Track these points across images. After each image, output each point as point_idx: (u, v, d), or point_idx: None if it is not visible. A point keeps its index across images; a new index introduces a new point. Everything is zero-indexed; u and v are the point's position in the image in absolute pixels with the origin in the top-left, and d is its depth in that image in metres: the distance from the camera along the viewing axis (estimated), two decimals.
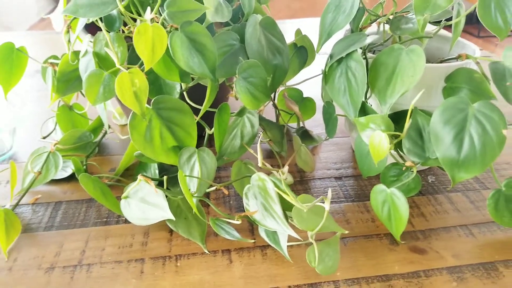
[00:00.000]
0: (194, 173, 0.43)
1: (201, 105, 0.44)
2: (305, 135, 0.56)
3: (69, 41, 0.48)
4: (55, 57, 0.50)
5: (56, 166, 0.49)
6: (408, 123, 0.40)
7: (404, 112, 0.44)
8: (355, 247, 0.41)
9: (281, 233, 0.39)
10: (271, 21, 0.47)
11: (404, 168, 0.43)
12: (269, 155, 0.56)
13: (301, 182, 0.50)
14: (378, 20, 0.48)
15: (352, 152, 0.56)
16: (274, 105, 0.56)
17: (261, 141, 0.58)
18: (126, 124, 0.63)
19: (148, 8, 0.38)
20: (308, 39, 0.53)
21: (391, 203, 0.40)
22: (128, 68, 0.39)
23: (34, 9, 3.31)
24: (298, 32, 0.53)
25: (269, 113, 0.65)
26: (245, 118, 0.50)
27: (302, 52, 0.53)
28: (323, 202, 0.36)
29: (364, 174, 0.45)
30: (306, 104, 0.58)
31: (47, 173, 0.48)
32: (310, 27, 1.08)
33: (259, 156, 0.42)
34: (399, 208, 0.40)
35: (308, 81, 0.59)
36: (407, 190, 0.42)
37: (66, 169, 0.51)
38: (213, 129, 0.48)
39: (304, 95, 0.58)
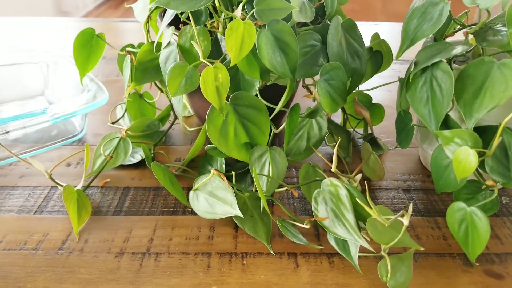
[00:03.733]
0: (264, 171, 0.43)
1: (271, 103, 0.44)
2: (372, 142, 0.54)
3: (148, 31, 0.49)
4: (132, 46, 0.51)
5: (126, 152, 0.50)
6: (497, 141, 0.38)
7: (487, 128, 0.41)
8: (427, 265, 0.39)
9: (352, 242, 0.38)
10: (352, 23, 0.46)
11: (483, 187, 0.41)
12: (332, 160, 0.55)
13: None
14: (465, 30, 0.46)
15: (421, 164, 0.54)
16: (343, 109, 0.55)
17: (326, 144, 0.57)
18: (189, 116, 0.64)
19: (240, 5, 0.38)
20: (386, 44, 0.51)
21: (470, 222, 0.38)
22: (212, 62, 0.39)
23: None
24: (375, 36, 0.52)
25: (336, 117, 0.63)
26: (313, 120, 0.50)
27: (377, 57, 0.52)
28: (402, 216, 0.35)
29: (438, 190, 0.43)
30: (375, 111, 0.56)
31: (116, 158, 0.50)
32: (367, 31, 1.05)
33: (334, 162, 0.41)
34: (479, 229, 0.38)
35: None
36: (483, 210, 0.40)
37: (134, 155, 0.52)
38: (279, 128, 0.47)
39: (373, 101, 0.56)
